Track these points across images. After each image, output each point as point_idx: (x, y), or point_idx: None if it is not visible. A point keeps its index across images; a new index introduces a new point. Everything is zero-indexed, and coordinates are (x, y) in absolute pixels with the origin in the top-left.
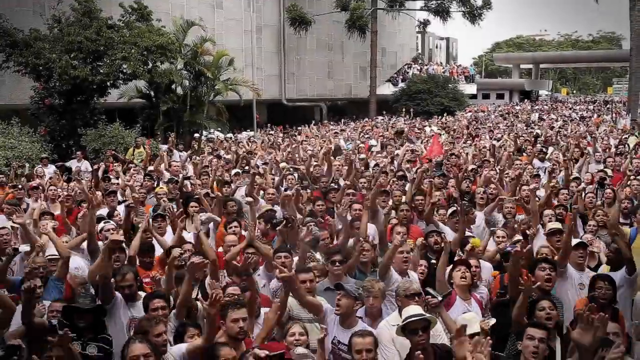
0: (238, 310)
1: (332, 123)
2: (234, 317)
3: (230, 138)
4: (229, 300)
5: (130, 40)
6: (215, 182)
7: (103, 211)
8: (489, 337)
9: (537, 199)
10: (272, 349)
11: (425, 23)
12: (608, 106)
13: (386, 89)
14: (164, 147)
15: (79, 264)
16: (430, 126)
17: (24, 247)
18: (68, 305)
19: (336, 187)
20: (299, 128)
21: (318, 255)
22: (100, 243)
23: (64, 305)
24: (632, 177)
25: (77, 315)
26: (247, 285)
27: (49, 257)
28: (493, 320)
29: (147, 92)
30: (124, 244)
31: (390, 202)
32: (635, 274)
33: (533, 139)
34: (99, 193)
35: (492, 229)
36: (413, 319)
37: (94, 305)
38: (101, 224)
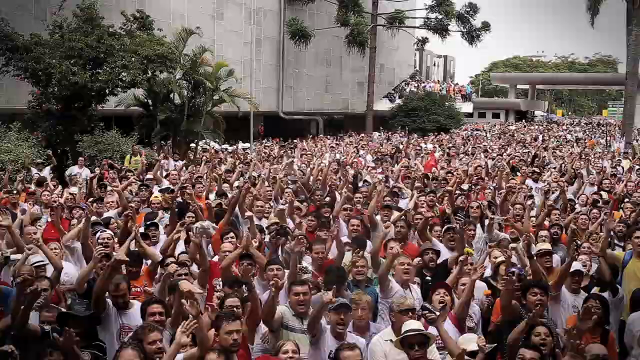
0: (232, 322)
1: (328, 137)
2: (228, 328)
3: (226, 149)
4: (223, 311)
5: (131, 49)
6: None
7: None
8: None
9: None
10: None
11: (424, 41)
12: (602, 129)
13: (383, 105)
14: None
15: (68, 270)
16: (425, 143)
17: (15, 257)
18: (63, 312)
19: (328, 201)
20: (295, 141)
21: (307, 264)
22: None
23: (60, 312)
24: (625, 200)
25: (72, 321)
26: (249, 296)
27: (35, 264)
28: (493, 345)
29: (145, 100)
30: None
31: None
32: (619, 295)
33: (531, 159)
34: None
35: (489, 248)
36: (410, 333)
37: (89, 312)
38: (98, 233)
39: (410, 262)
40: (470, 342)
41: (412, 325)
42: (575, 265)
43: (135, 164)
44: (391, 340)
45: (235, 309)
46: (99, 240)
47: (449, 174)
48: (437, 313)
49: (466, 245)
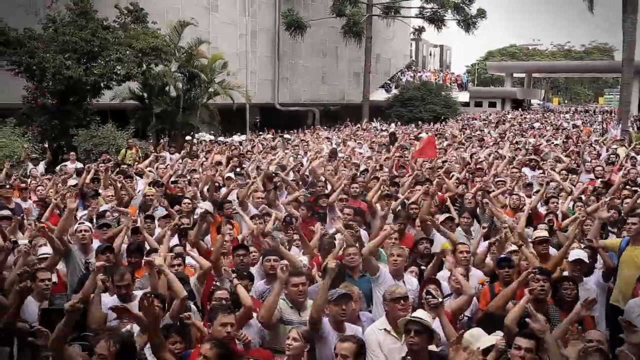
0: (228, 316)
1: (324, 128)
2: (222, 321)
3: (222, 141)
4: (218, 304)
5: (125, 42)
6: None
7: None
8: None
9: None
10: (260, 356)
11: (420, 30)
12: (599, 117)
13: (379, 95)
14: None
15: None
16: (423, 132)
17: (23, 241)
18: (46, 308)
19: (327, 192)
20: (292, 132)
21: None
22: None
23: (43, 308)
24: (625, 187)
25: (56, 316)
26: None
27: (40, 255)
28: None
29: (141, 93)
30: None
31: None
32: (611, 281)
33: (527, 149)
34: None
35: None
36: (411, 318)
37: None
38: (75, 225)
39: (400, 253)
40: (479, 337)
41: (418, 313)
42: (578, 254)
43: (131, 158)
44: (385, 330)
45: (224, 301)
46: (77, 233)
47: (444, 163)
48: (440, 299)
49: (464, 234)
